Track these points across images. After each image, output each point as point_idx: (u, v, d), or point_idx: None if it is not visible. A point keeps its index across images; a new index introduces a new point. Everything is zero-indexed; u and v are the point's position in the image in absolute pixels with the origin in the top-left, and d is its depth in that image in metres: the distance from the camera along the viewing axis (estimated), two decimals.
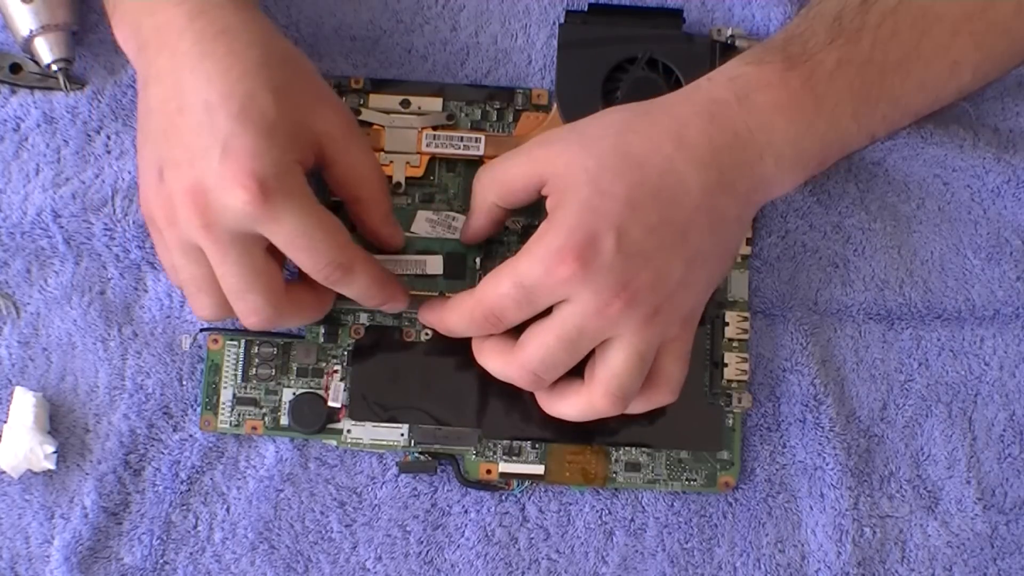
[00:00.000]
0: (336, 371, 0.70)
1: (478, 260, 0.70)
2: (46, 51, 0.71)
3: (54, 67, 0.71)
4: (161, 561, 0.68)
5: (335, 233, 0.60)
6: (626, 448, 0.69)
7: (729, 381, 0.70)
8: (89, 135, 0.72)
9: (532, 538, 0.69)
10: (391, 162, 0.71)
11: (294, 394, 0.69)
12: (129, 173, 0.71)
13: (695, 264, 0.60)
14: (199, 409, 0.69)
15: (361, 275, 0.62)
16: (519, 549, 0.69)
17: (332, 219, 0.60)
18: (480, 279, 0.69)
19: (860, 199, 0.73)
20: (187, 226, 0.59)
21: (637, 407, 0.63)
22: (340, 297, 0.66)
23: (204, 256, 0.60)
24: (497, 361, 0.63)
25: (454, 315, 0.64)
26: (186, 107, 0.58)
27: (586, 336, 0.60)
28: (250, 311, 0.61)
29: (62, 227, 0.70)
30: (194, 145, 0.58)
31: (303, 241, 0.59)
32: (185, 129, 0.58)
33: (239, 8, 0.61)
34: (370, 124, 0.71)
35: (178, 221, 0.59)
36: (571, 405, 0.63)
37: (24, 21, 0.70)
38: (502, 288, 0.60)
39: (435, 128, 0.72)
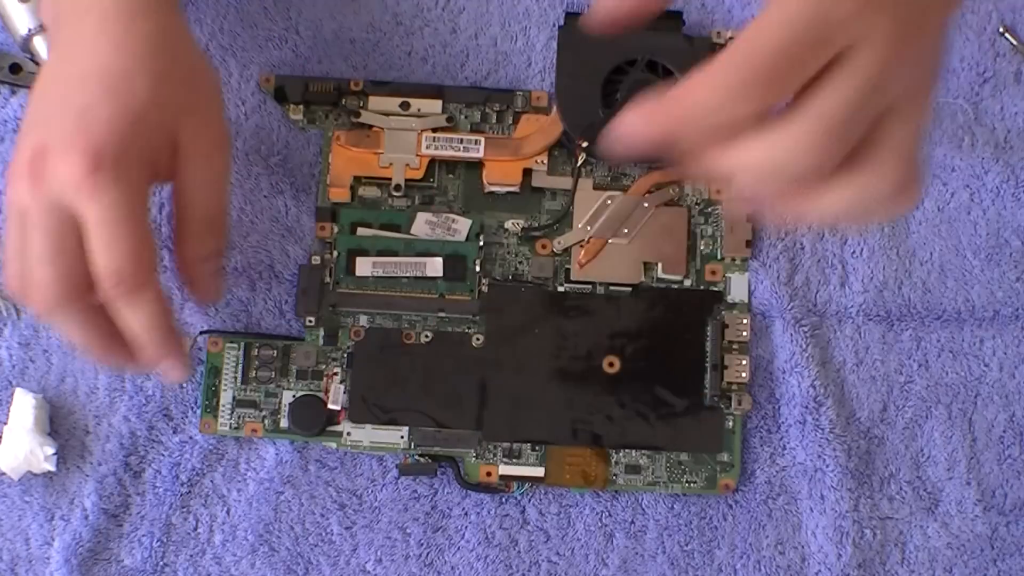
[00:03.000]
0: (336, 373, 0.69)
1: (478, 262, 0.70)
2: (45, 50, 0.71)
3: None
4: (161, 563, 0.68)
5: (141, 243, 0.57)
6: (626, 450, 0.69)
7: (729, 383, 0.70)
8: None
9: (532, 540, 0.69)
10: (391, 164, 0.71)
11: (294, 396, 0.69)
12: None
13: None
14: (199, 411, 0.69)
15: (145, 306, 0.58)
16: (519, 551, 0.69)
17: (147, 232, 0.58)
18: (480, 280, 0.69)
19: None
20: (20, 185, 0.57)
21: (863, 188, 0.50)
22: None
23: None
24: (770, 141, 0.48)
25: (709, 84, 0.47)
26: (67, 74, 0.58)
27: (883, 86, 0.48)
28: (38, 284, 0.57)
29: None
30: (58, 108, 0.57)
31: (106, 231, 0.56)
32: (58, 93, 0.58)
33: (159, 5, 0.60)
34: (370, 126, 0.71)
35: (15, 180, 0.57)
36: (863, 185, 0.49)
37: (22, 20, 0.70)
38: (791, 27, 0.46)
39: (435, 130, 0.71)
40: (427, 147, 0.71)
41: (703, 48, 0.72)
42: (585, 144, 0.70)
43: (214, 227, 0.63)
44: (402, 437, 0.69)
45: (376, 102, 0.72)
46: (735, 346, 0.70)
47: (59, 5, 0.60)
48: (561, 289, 0.71)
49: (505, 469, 0.69)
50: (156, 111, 0.58)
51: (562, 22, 0.73)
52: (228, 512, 0.69)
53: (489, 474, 0.69)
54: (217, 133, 0.62)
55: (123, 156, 0.56)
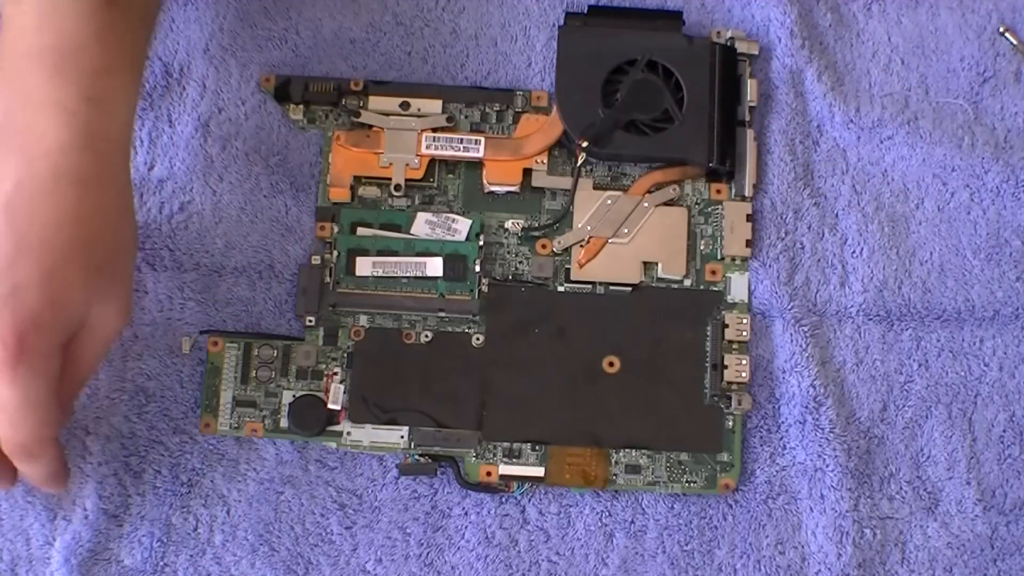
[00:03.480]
0: (336, 373, 0.69)
1: (478, 262, 0.70)
2: None
3: None
4: (161, 563, 0.68)
5: (44, 424, 0.58)
6: (626, 450, 0.69)
7: (729, 383, 0.70)
8: None
9: (532, 540, 0.69)
10: (391, 164, 0.71)
11: (294, 396, 0.69)
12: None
13: None
14: (199, 411, 0.69)
15: (41, 466, 0.61)
16: (519, 551, 0.69)
17: (50, 408, 0.58)
18: (480, 280, 0.70)
19: (857, 200, 0.73)
20: None
21: None
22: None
23: None
24: None
25: None
26: (4, 232, 0.56)
27: None
28: None
29: None
30: None
31: (17, 414, 0.57)
32: None
33: (102, 154, 0.58)
34: (370, 126, 0.71)
35: None
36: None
37: None
38: None
39: (435, 130, 0.72)
40: (427, 147, 0.71)
41: (703, 48, 0.72)
42: (585, 144, 0.70)
43: (75, 397, 0.64)
44: (402, 437, 0.69)
45: (376, 102, 0.72)
46: (735, 346, 0.70)
47: None
48: (561, 289, 0.71)
49: (505, 469, 0.69)
50: (82, 301, 0.57)
51: (562, 22, 0.73)
52: (228, 512, 0.69)
53: (489, 474, 0.69)
54: (123, 308, 0.61)
55: (44, 350, 0.56)
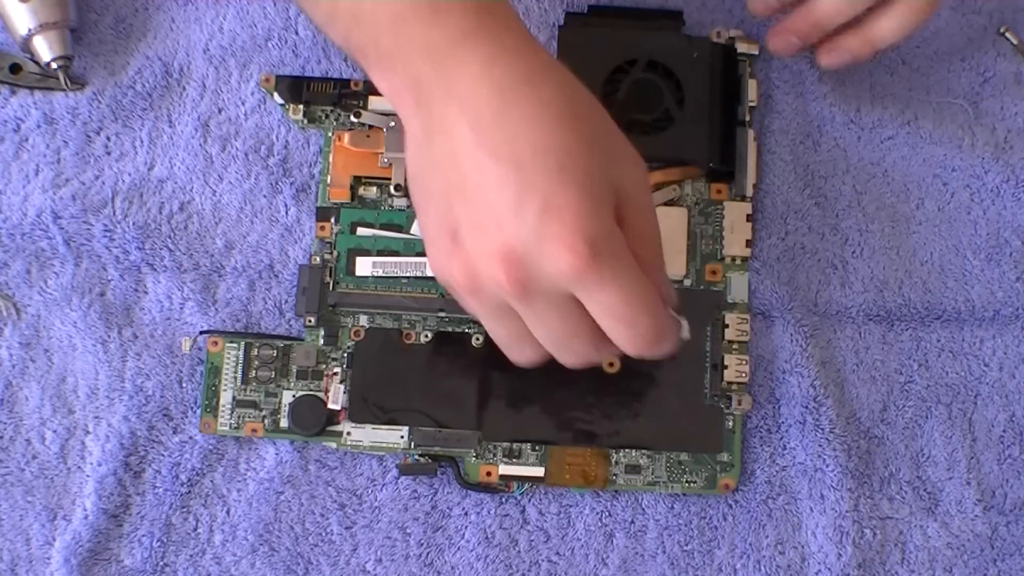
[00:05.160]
0: (336, 373, 0.69)
1: None
2: (45, 49, 0.71)
3: (54, 65, 0.71)
4: (161, 563, 0.68)
5: (656, 304, 0.55)
6: (626, 450, 0.69)
7: (729, 383, 0.70)
8: (89, 136, 0.72)
9: (532, 540, 0.69)
10: (391, 164, 0.71)
11: (294, 396, 0.69)
12: (129, 175, 0.71)
13: None
14: (199, 411, 0.69)
15: (667, 346, 0.57)
16: (519, 551, 0.69)
17: (652, 288, 0.54)
18: None
19: (857, 200, 0.73)
20: (497, 291, 0.53)
21: None
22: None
23: (516, 314, 0.55)
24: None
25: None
26: (487, 162, 0.52)
27: None
28: (576, 357, 0.57)
29: (62, 228, 0.70)
30: (500, 204, 0.52)
31: (625, 311, 0.53)
32: (488, 187, 0.52)
33: (536, 52, 0.55)
34: (370, 126, 0.71)
35: (483, 287, 0.54)
36: None
37: (22, 20, 0.71)
38: None
39: None
40: None
41: (703, 48, 0.72)
42: None
43: (661, 246, 0.59)
44: (402, 437, 0.69)
45: (376, 102, 0.72)
46: (735, 346, 0.70)
47: (421, 80, 0.54)
48: None
49: (505, 469, 0.69)
50: (601, 173, 0.53)
51: (562, 22, 0.73)
52: (228, 512, 0.69)
53: (489, 474, 0.69)
54: (640, 162, 0.57)
55: (607, 232, 0.53)
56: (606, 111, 0.56)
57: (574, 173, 0.52)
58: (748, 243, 0.71)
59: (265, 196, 0.72)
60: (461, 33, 0.53)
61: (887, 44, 0.69)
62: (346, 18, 0.56)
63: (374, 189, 0.72)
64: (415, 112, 0.55)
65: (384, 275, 0.70)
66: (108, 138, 0.72)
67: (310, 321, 0.70)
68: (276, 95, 0.72)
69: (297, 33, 0.73)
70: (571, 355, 0.57)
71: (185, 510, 0.69)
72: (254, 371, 0.70)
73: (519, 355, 0.59)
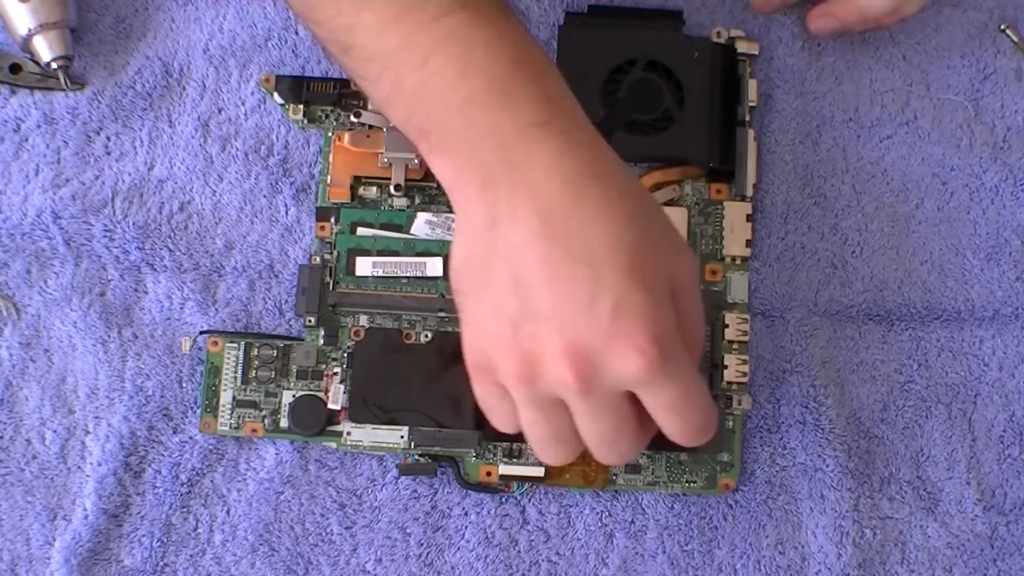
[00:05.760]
0: (336, 373, 0.69)
1: None
2: (45, 49, 0.71)
3: (54, 65, 0.71)
4: (161, 563, 0.68)
5: (708, 396, 0.56)
6: None
7: (729, 383, 0.70)
8: (89, 136, 0.72)
9: (532, 540, 0.69)
10: (391, 164, 0.71)
11: (294, 396, 0.69)
12: (129, 175, 0.71)
13: None
14: (199, 411, 0.69)
15: (712, 433, 0.57)
16: (519, 551, 0.69)
17: (703, 382, 0.56)
18: None
19: (857, 200, 0.73)
20: (556, 385, 0.53)
21: None
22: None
23: (565, 410, 0.55)
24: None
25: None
26: (560, 258, 0.52)
27: None
28: (616, 455, 0.57)
29: (62, 228, 0.70)
30: (571, 300, 0.52)
31: (684, 406, 0.54)
32: (560, 282, 0.52)
33: (603, 147, 0.55)
34: (370, 126, 0.71)
35: (541, 379, 0.53)
36: None
37: (22, 20, 0.71)
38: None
39: None
40: None
41: (703, 48, 0.72)
42: None
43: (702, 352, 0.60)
44: (402, 437, 0.69)
45: None
46: (735, 346, 0.70)
47: (489, 166, 0.54)
48: None
49: (505, 469, 0.69)
50: (663, 272, 0.54)
51: (562, 22, 0.73)
52: (228, 512, 0.69)
53: (489, 474, 0.69)
54: (692, 257, 0.57)
55: (671, 333, 0.53)
56: (657, 203, 0.57)
57: (642, 273, 0.52)
58: (748, 243, 0.71)
59: (265, 196, 0.72)
60: (532, 123, 0.53)
61: (876, 14, 0.71)
62: (410, 99, 0.55)
63: (374, 189, 0.71)
64: (478, 196, 0.54)
65: (384, 275, 0.70)
66: (108, 138, 0.72)
67: (310, 321, 0.70)
68: (276, 95, 0.72)
69: (297, 33, 0.73)
70: (613, 452, 0.57)
71: (185, 510, 0.69)
72: (254, 371, 0.70)
73: (553, 453, 0.58)
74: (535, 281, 0.52)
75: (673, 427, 0.56)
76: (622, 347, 0.52)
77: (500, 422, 0.58)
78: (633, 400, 0.55)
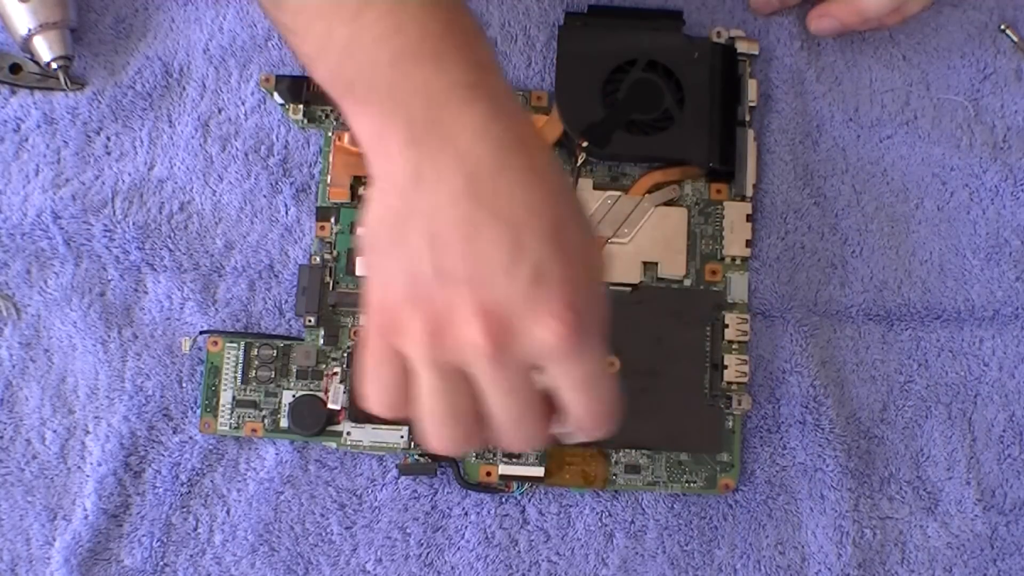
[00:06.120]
0: (336, 373, 0.69)
1: None
2: (45, 49, 0.71)
3: (54, 65, 0.71)
4: (161, 563, 0.68)
5: (613, 380, 0.54)
6: (626, 450, 0.69)
7: (729, 383, 0.70)
8: (89, 136, 0.72)
9: (532, 540, 0.69)
10: None
11: (294, 396, 0.69)
12: (129, 175, 0.71)
13: None
14: (199, 411, 0.69)
15: (612, 425, 0.55)
16: (519, 551, 0.69)
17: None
18: None
19: (857, 199, 0.73)
20: (467, 348, 0.51)
21: None
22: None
23: (469, 387, 0.52)
24: None
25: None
26: (483, 217, 0.51)
27: None
28: (519, 439, 0.55)
29: (62, 228, 0.70)
30: (490, 260, 0.50)
31: (593, 384, 0.53)
32: (480, 241, 0.50)
33: (528, 119, 0.55)
34: None
35: (451, 340, 0.51)
36: None
37: (22, 20, 0.71)
38: None
39: None
40: None
41: (703, 48, 0.72)
42: (585, 144, 0.70)
43: None
44: (402, 437, 0.69)
45: None
46: (735, 346, 0.70)
47: (415, 122, 0.52)
48: None
49: (505, 469, 0.69)
50: (584, 247, 0.53)
51: (562, 22, 0.73)
52: (228, 512, 0.69)
53: (489, 474, 0.69)
54: (601, 243, 0.57)
55: (590, 306, 0.52)
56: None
57: (564, 244, 0.51)
58: (748, 243, 0.71)
59: (265, 196, 0.72)
60: (463, 84, 0.52)
61: (876, 14, 0.71)
62: (339, 51, 0.54)
63: None
64: (401, 154, 0.52)
65: None
66: (108, 138, 0.72)
67: (310, 321, 0.70)
68: (276, 95, 0.72)
69: None
70: (517, 435, 0.55)
71: (185, 510, 0.69)
72: (254, 371, 0.70)
73: (446, 433, 0.54)
74: (454, 239, 0.51)
75: (579, 407, 0.53)
76: (540, 313, 0.50)
77: (378, 393, 0.54)
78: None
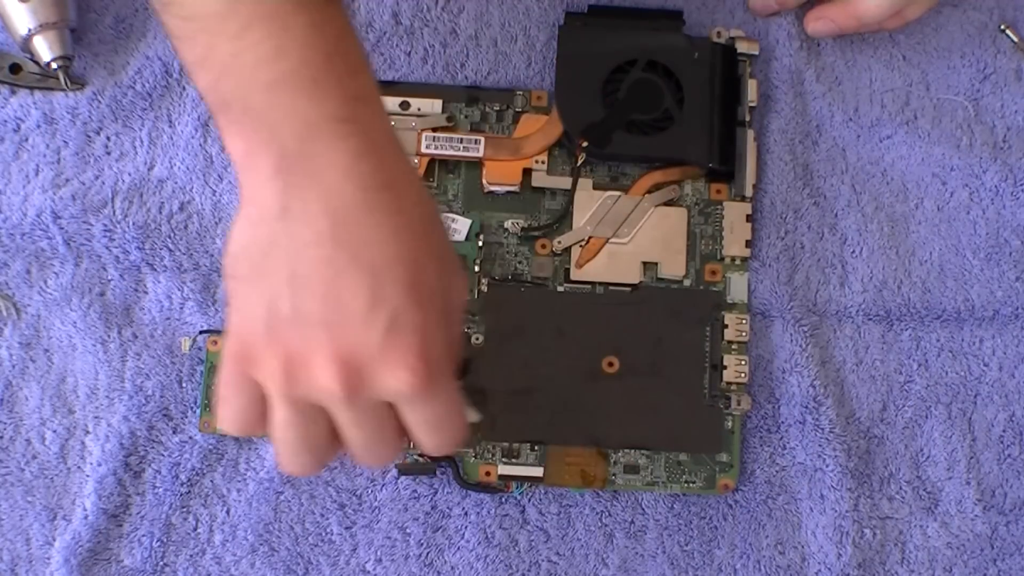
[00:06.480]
0: None
1: (478, 262, 0.70)
2: (45, 49, 0.71)
3: (54, 65, 0.71)
4: (161, 563, 0.68)
5: (461, 413, 0.56)
6: (625, 450, 0.69)
7: (728, 383, 0.70)
8: (89, 136, 0.72)
9: (532, 540, 0.69)
10: None
11: None
12: (129, 175, 0.71)
13: None
14: (199, 411, 0.69)
15: (458, 444, 0.57)
16: (519, 551, 0.69)
17: (460, 399, 0.56)
18: (480, 280, 0.70)
19: (856, 199, 0.73)
20: (320, 391, 0.52)
21: None
22: None
23: (323, 418, 0.54)
24: None
25: None
26: (344, 262, 0.51)
27: None
28: (375, 459, 0.56)
29: (62, 228, 0.70)
30: (348, 306, 0.51)
31: (441, 423, 0.55)
32: (339, 287, 0.51)
33: (399, 154, 0.54)
34: None
35: (305, 381, 0.52)
36: None
37: (22, 20, 0.71)
38: None
39: (435, 130, 0.71)
40: (427, 147, 0.71)
41: (703, 48, 0.72)
42: (585, 144, 0.70)
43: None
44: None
45: None
46: (735, 346, 0.70)
47: (287, 152, 0.52)
48: (560, 289, 0.71)
49: (504, 469, 0.69)
50: (443, 290, 0.54)
51: (562, 22, 0.73)
52: (228, 512, 0.69)
53: (488, 474, 0.69)
54: (466, 279, 0.58)
55: (443, 354, 0.53)
56: (441, 218, 0.57)
57: (421, 291, 0.52)
58: (748, 243, 0.71)
59: None
60: (337, 118, 0.52)
61: (872, 19, 0.72)
62: (219, 67, 0.53)
63: None
64: (269, 181, 0.52)
65: None
66: (108, 138, 0.72)
67: None
68: None
69: None
70: (373, 457, 0.56)
71: (185, 510, 0.69)
72: None
73: (299, 460, 0.56)
74: (314, 282, 0.51)
75: (427, 441, 0.56)
76: (393, 362, 0.51)
77: (231, 417, 0.55)
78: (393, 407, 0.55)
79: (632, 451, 0.69)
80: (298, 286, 0.52)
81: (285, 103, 0.52)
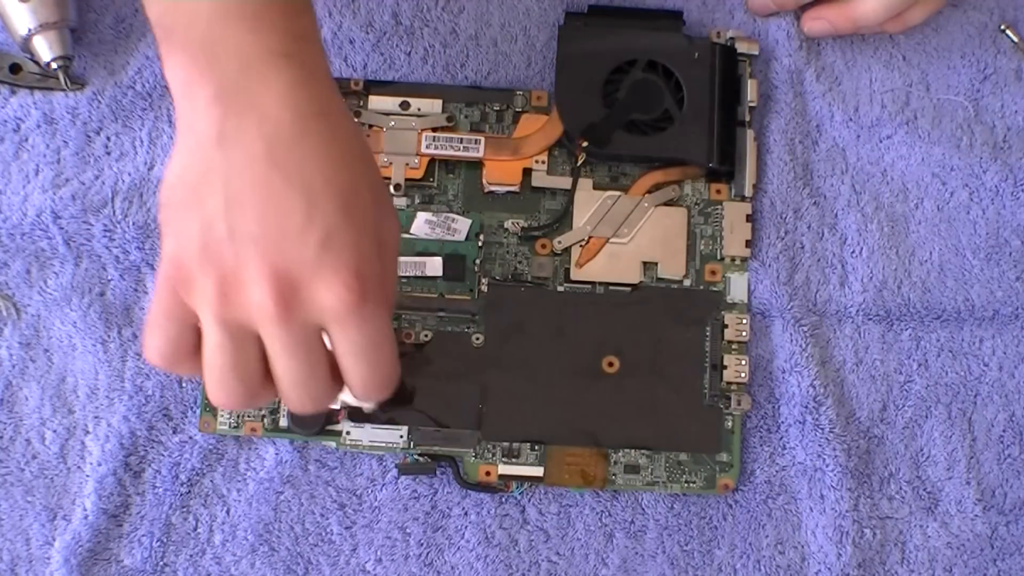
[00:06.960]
0: None
1: (478, 262, 0.70)
2: (45, 49, 0.71)
3: (54, 65, 0.71)
4: (161, 563, 0.68)
5: (395, 354, 0.55)
6: (625, 450, 0.69)
7: (728, 383, 0.70)
8: (89, 136, 0.72)
9: (532, 540, 0.69)
10: (390, 164, 0.71)
11: None
12: (129, 175, 0.71)
13: None
14: (199, 411, 0.69)
15: (387, 393, 0.57)
16: (519, 551, 0.69)
17: (394, 340, 0.55)
18: (480, 280, 0.70)
19: (856, 199, 0.73)
20: (254, 308, 0.52)
21: None
22: None
23: (255, 345, 0.53)
24: None
25: None
26: (278, 182, 0.52)
27: None
28: (307, 399, 0.55)
29: (62, 228, 0.70)
30: (282, 224, 0.52)
31: (372, 353, 0.54)
32: (274, 205, 0.52)
33: (334, 87, 0.56)
34: (369, 126, 0.71)
35: (239, 299, 0.52)
36: None
37: (22, 20, 0.71)
38: None
39: (434, 130, 0.72)
40: (427, 147, 0.71)
41: (703, 48, 0.72)
42: (585, 144, 0.70)
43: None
44: (401, 437, 0.69)
45: (376, 102, 0.72)
46: (735, 346, 0.70)
47: (225, 79, 0.53)
48: (560, 289, 0.71)
49: (504, 469, 0.69)
50: (376, 219, 0.55)
51: (562, 22, 0.73)
52: (228, 512, 0.69)
53: (488, 474, 0.69)
54: (397, 219, 0.58)
55: (377, 274, 0.53)
56: (376, 162, 0.58)
57: (355, 213, 0.53)
58: (748, 243, 0.71)
59: None
60: (276, 51, 0.54)
61: (868, 23, 0.72)
62: None
63: None
64: (207, 109, 0.53)
65: None
66: (108, 138, 0.72)
67: None
68: None
69: None
70: (305, 395, 0.55)
71: (185, 510, 0.69)
72: None
73: (227, 388, 0.55)
74: (249, 202, 0.52)
75: (358, 374, 0.55)
76: (327, 277, 0.52)
77: (160, 346, 0.55)
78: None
79: (632, 451, 0.69)
80: (233, 206, 0.52)
81: (227, 35, 0.54)
